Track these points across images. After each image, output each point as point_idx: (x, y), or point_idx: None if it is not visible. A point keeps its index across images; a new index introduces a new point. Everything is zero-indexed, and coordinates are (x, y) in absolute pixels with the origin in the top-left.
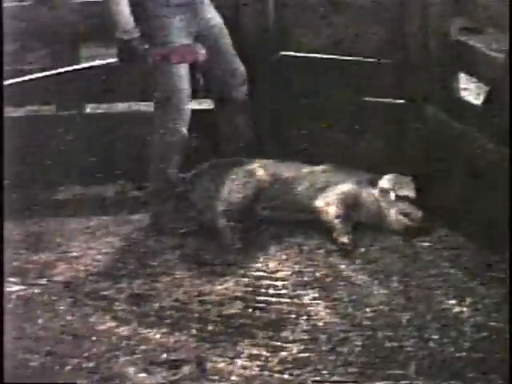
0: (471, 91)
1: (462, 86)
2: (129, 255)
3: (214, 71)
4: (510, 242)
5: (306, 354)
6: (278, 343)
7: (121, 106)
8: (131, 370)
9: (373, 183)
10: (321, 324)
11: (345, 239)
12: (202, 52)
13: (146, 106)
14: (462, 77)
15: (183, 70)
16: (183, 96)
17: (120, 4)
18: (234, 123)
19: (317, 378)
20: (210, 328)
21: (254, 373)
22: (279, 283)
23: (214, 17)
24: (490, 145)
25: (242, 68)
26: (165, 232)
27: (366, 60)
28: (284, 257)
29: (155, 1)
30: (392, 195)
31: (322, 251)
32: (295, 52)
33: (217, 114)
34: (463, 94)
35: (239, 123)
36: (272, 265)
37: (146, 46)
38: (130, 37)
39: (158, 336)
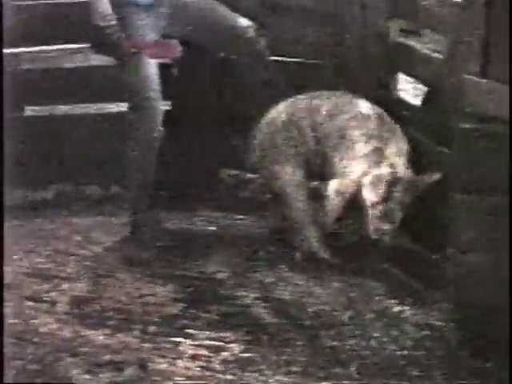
0: (409, 92)
1: (400, 86)
2: (69, 257)
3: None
4: (510, 241)
5: (248, 354)
6: (220, 343)
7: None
8: (75, 371)
9: None
10: (262, 324)
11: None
12: (178, 49)
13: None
14: (401, 78)
15: (153, 69)
16: (154, 95)
17: None
18: None
19: (261, 378)
20: (151, 329)
21: (196, 373)
22: (219, 284)
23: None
24: (430, 144)
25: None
26: (145, 243)
27: (305, 61)
28: (224, 258)
29: None
30: None
31: (261, 252)
32: None
33: None
34: (402, 94)
35: None
36: (212, 266)
37: (121, 35)
38: (106, 23)
39: (100, 338)
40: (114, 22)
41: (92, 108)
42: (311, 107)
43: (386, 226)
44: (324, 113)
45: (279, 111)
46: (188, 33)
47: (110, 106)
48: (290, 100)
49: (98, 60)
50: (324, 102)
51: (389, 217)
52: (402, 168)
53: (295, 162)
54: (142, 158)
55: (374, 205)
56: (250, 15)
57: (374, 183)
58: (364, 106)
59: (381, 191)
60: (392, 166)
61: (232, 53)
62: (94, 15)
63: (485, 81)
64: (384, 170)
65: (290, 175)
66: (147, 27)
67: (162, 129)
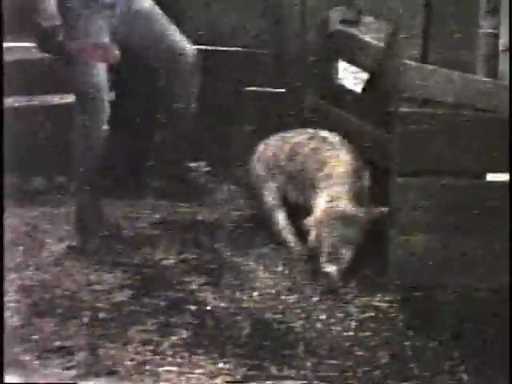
0: (350, 79)
1: (341, 74)
2: (17, 247)
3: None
4: (510, 240)
5: (196, 338)
6: (168, 328)
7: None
8: (26, 358)
9: None
10: (209, 309)
11: None
12: (114, 53)
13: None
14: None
15: (100, 67)
16: (100, 93)
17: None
18: None
19: (209, 361)
20: (100, 316)
21: (146, 357)
22: (166, 271)
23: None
24: (368, 127)
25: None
26: (87, 233)
27: (244, 50)
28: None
29: None
30: None
31: (206, 238)
32: None
33: None
34: (343, 81)
35: None
36: (158, 253)
37: (62, 37)
38: (50, 24)
39: (50, 325)
40: (57, 23)
41: (35, 100)
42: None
43: (333, 268)
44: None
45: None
46: (130, 40)
47: (54, 99)
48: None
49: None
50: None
51: (334, 256)
52: (344, 202)
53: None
54: (87, 148)
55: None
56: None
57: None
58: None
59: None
60: (332, 198)
61: (166, 70)
62: (38, 14)
63: (424, 65)
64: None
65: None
66: (96, 29)
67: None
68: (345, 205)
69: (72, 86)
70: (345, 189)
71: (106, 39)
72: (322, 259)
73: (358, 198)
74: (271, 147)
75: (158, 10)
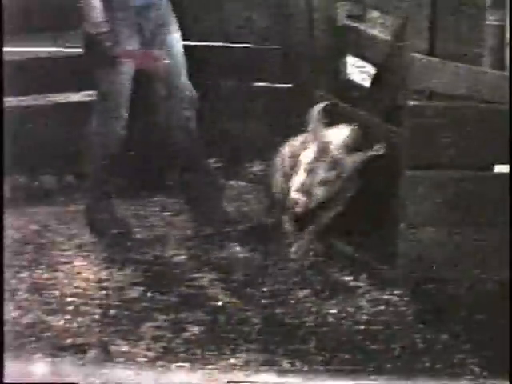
0: (358, 73)
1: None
2: (28, 246)
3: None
4: (510, 240)
5: (208, 334)
6: (180, 325)
7: None
8: (38, 356)
9: None
10: (220, 305)
11: None
12: (163, 59)
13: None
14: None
15: (128, 76)
16: (121, 101)
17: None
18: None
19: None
20: (112, 313)
21: (158, 354)
22: (176, 268)
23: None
24: (377, 121)
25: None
26: (98, 230)
27: (253, 47)
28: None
29: (115, 2)
30: None
31: (216, 236)
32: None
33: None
34: (351, 76)
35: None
36: (169, 250)
37: (111, 43)
38: (98, 31)
39: (61, 323)
40: (105, 30)
41: (43, 99)
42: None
43: (302, 199)
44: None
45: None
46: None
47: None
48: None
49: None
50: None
51: (306, 190)
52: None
53: None
54: (100, 153)
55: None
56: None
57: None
58: None
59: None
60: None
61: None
62: (86, 22)
63: (431, 58)
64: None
65: None
66: (135, 34)
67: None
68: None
69: (100, 86)
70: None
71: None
72: (293, 188)
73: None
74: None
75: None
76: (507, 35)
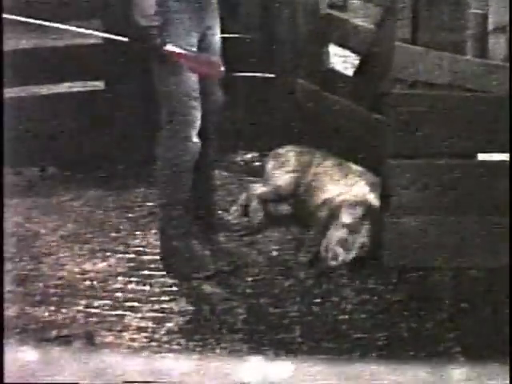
0: (341, 63)
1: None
2: (11, 238)
3: None
4: (510, 240)
5: (192, 325)
6: (164, 315)
7: None
8: (23, 348)
9: None
10: (203, 295)
11: None
12: (220, 69)
13: None
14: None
15: (193, 77)
16: (193, 104)
17: None
18: None
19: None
20: (96, 304)
21: (142, 344)
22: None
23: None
24: (361, 111)
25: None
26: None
27: (234, 36)
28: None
29: None
30: None
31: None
32: None
33: None
34: (334, 65)
35: None
36: (152, 240)
37: (160, 40)
38: (148, 23)
39: (46, 314)
40: (156, 24)
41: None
42: None
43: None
44: None
45: None
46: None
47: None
48: None
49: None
50: None
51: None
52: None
53: None
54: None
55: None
56: None
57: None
58: None
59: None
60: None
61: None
62: (136, 11)
63: (414, 47)
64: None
65: None
66: (187, 33)
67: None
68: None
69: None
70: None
71: (194, 48)
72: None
73: None
74: None
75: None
76: (491, 22)
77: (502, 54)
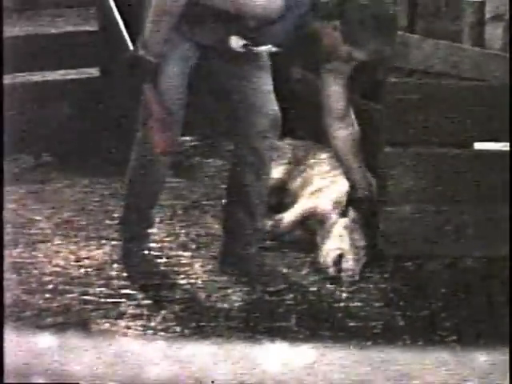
0: None
1: None
2: (5, 225)
3: None
4: (510, 240)
5: (187, 312)
6: (160, 303)
7: None
8: (17, 334)
9: None
10: (200, 282)
11: None
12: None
13: None
14: None
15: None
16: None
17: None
18: None
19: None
20: (91, 291)
21: (137, 332)
22: (155, 245)
23: None
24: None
25: None
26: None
27: None
28: (157, 219)
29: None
30: None
31: (195, 212)
32: None
33: None
34: None
35: None
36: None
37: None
38: (148, 57)
39: (41, 302)
40: (154, 60)
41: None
42: None
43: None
44: None
45: None
46: None
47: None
48: None
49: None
50: None
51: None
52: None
53: None
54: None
55: None
56: None
57: None
58: None
59: None
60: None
61: None
62: (139, 42)
63: (411, 35)
64: None
65: None
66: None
67: None
68: None
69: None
70: None
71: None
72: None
73: None
74: None
75: None
76: (488, 10)
77: (498, 43)
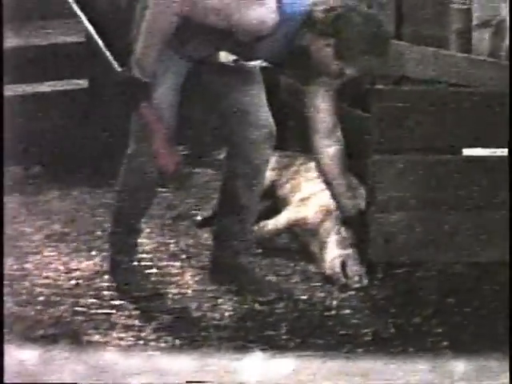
0: None
1: None
2: None
3: None
4: (510, 241)
5: (178, 323)
6: (150, 313)
7: None
8: (8, 347)
9: None
10: (190, 292)
11: None
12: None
13: None
14: None
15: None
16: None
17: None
18: None
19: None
20: (82, 302)
21: (129, 343)
22: (145, 255)
23: None
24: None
25: None
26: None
27: None
28: (148, 230)
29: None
30: None
31: (184, 222)
32: None
33: None
34: None
35: None
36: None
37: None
38: (142, 75)
39: (32, 313)
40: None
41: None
42: None
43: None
44: None
45: None
46: None
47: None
48: None
49: None
50: None
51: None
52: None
53: None
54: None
55: None
56: None
57: None
58: None
59: None
60: None
61: None
62: (134, 61)
63: (398, 42)
64: None
65: None
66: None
67: None
68: None
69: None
70: None
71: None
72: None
73: None
74: None
75: None
76: (475, 17)
77: (486, 49)
